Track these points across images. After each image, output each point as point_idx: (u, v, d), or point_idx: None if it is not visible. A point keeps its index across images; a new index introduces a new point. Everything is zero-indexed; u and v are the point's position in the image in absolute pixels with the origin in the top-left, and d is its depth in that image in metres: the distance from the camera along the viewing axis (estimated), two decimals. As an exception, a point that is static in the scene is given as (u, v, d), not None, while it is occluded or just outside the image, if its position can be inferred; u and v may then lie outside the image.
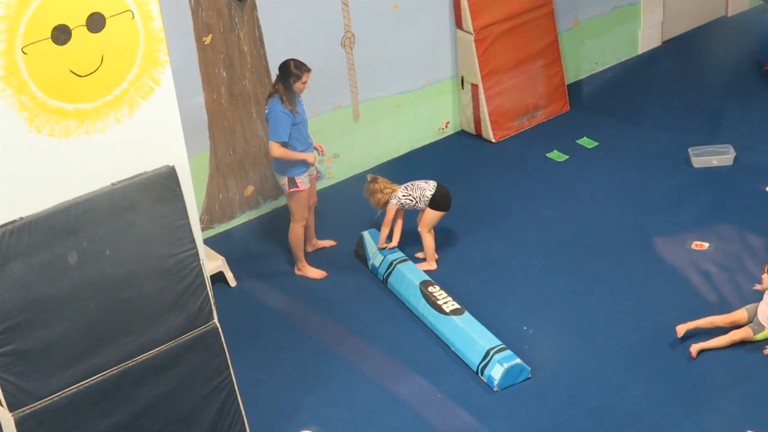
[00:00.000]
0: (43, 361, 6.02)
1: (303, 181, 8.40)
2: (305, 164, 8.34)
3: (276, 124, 8.12)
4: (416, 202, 8.56)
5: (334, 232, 9.18)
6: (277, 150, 8.15)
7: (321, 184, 9.73)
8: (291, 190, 8.39)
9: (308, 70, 8.11)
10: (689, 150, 9.74)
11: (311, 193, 8.67)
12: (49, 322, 6.04)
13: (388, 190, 8.64)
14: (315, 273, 8.77)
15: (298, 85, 8.10)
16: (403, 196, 8.58)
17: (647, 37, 11.70)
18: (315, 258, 8.88)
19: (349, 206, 9.54)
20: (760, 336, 7.60)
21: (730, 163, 9.61)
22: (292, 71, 8.08)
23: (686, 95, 10.87)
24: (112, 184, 6.22)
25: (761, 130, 10.13)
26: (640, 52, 11.70)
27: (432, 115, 10.26)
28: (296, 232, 8.63)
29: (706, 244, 8.61)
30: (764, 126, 10.20)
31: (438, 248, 8.85)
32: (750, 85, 10.92)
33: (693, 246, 8.60)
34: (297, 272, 8.82)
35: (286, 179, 8.37)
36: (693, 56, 11.62)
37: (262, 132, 9.25)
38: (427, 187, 8.56)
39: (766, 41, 10.91)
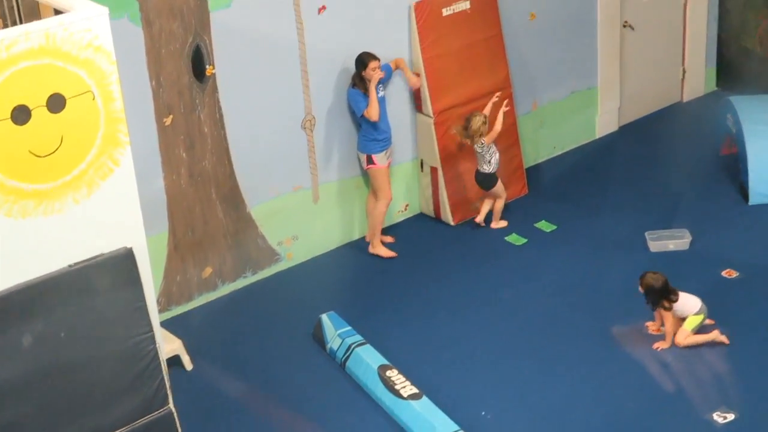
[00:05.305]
0: (-6, 445, 5.92)
1: (379, 158, 9.56)
2: (382, 144, 9.56)
3: (353, 102, 9.50)
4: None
5: (292, 315, 9.13)
6: (367, 114, 9.39)
7: (279, 266, 9.70)
8: (368, 166, 9.61)
9: (375, 58, 9.34)
10: (646, 234, 9.81)
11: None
12: (2, 406, 5.93)
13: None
14: (386, 252, 9.80)
15: (367, 72, 9.34)
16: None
17: (604, 122, 11.84)
18: (273, 339, 8.82)
19: (308, 289, 9.50)
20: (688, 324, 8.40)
21: (686, 247, 9.68)
22: (360, 60, 9.37)
23: (643, 180, 10.97)
24: (69, 266, 6.18)
25: (717, 215, 10.23)
26: (597, 136, 11.82)
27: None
28: (380, 209, 9.74)
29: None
30: (720, 211, 10.31)
31: (396, 331, 8.83)
32: (706, 170, 11.04)
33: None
34: (370, 250, 9.87)
35: (364, 156, 9.60)
36: (649, 141, 11.76)
37: (221, 213, 9.23)
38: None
39: (721, 126, 11.06)
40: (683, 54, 12.36)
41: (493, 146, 9.91)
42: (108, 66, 6.18)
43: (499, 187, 10.12)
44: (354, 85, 9.52)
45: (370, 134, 9.59)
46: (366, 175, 9.92)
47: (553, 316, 8.95)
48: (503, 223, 10.26)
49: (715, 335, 8.42)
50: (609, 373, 8.23)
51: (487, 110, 9.98)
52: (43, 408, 6.05)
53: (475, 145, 9.86)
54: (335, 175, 9.88)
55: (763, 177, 10.25)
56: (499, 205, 10.23)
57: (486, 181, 10.05)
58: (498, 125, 9.89)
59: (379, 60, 9.39)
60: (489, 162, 9.91)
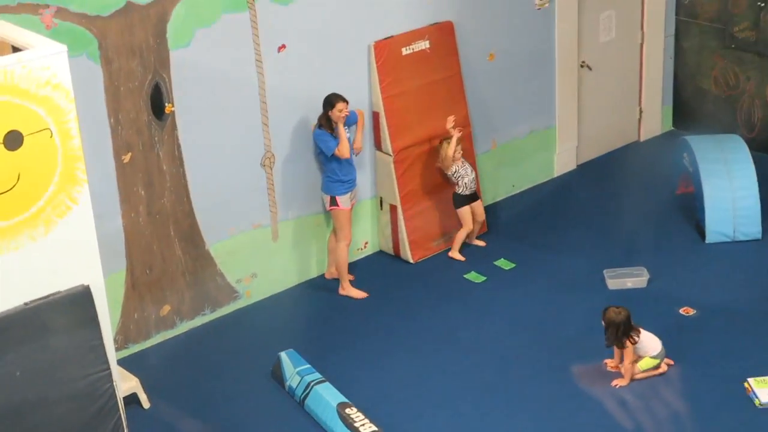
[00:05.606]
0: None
1: (343, 200, 9.57)
2: (346, 186, 9.57)
3: (321, 142, 9.44)
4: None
5: (251, 353, 9.09)
6: (339, 153, 9.39)
7: (238, 304, 9.68)
8: (331, 207, 9.59)
9: (343, 100, 9.32)
10: (604, 272, 9.87)
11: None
12: (-46, 447, 5.88)
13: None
14: (357, 293, 9.76)
15: (334, 113, 9.32)
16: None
17: (562, 161, 11.92)
18: (232, 377, 8.78)
19: (267, 326, 9.48)
20: (642, 364, 8.48)
21: (644, 285, 9.74)
22: (327, 101, 9.35)
23: (601, 218, 11.05)
24: (25, 304, 6.14)
25: (674, 253, 10.32)
26: (555, 175, 11.90)
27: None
28: (342, 250, 9.68)
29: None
30: (677, 249, 10.39)
31: (356, 369, 8.81)
32: (663, 209, 11.14)
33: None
34: (341, 292, 9.80)
35: (328, 197, 9.60)
36: (607, 180, 11.85)
37: (179, 251, 9.20)
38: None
39: (677, 166, 11.17)
40: (640, 94, 12.49)
41: (458, 170, 10.14)
42: (66, 103, 6.17)
43: (465, 212, 10.28)
44: (321, 126, 9.50)
45: (335, 175, 9.59)
46: (326, 213, 9.93)
47: (511, 353, 8.96)
48: (460, 257, 10.35)
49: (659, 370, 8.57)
50: (567, 411, 8.25)
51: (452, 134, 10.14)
52: (-3, 448, 5.99)
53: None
54: (294, 213, 9.89)
55: (719, 216, 10.35)
56: (460, 234, 10.35)
57: (454, 200, 10.31)
58: (449, 150, 10.04)
59: (347, 102, 9.39)
60: (458, 185, 10.19)
